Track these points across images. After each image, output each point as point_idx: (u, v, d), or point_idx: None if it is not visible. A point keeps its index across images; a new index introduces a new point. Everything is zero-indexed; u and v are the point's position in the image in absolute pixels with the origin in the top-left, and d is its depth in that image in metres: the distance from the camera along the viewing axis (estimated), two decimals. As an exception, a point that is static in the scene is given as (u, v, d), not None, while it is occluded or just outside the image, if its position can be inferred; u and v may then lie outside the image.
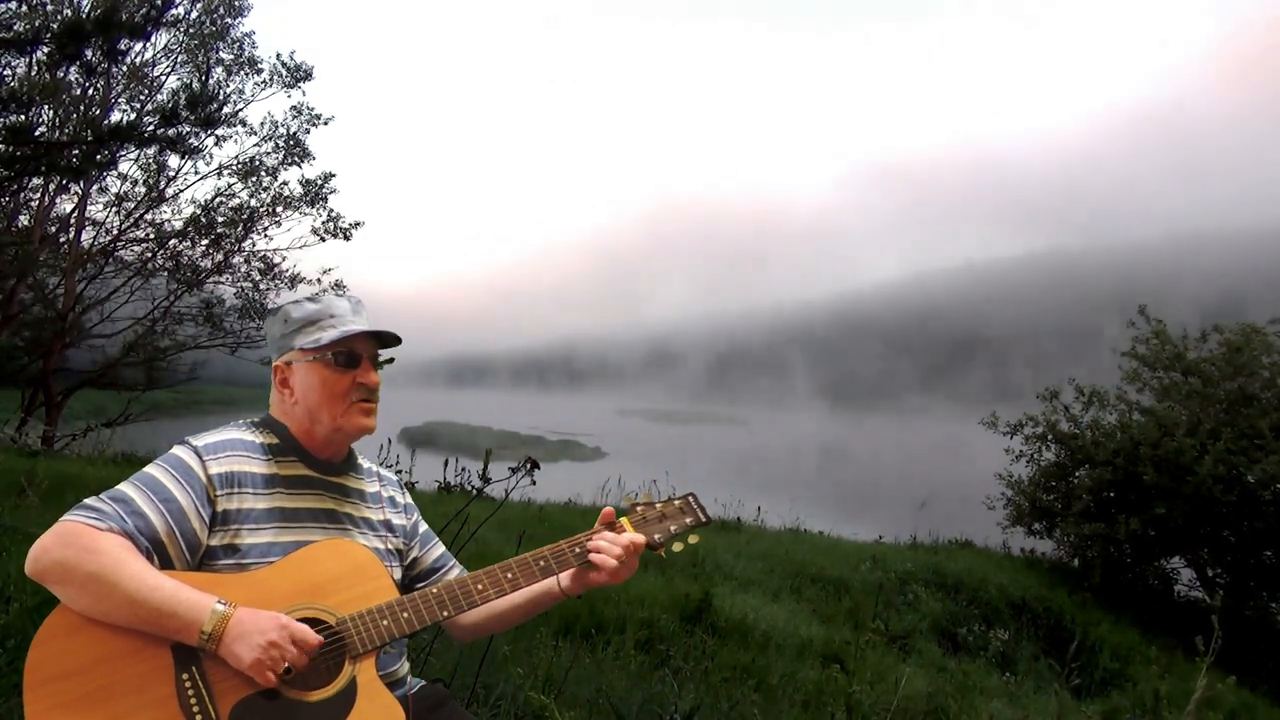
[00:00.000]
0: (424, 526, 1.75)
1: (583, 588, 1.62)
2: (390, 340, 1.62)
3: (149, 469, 1.41)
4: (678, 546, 1.71)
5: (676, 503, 1.76)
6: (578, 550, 1.61)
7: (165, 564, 1.34)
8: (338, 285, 14.74)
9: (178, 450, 1.45)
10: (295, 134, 14.89)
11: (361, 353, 1.57)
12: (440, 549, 1.75)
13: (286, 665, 1.27)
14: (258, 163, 14.85)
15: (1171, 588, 11.22)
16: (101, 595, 1.24)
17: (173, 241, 14.75)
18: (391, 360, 1.65)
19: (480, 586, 1.53)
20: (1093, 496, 10.85)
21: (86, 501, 1.33)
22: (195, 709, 1.24)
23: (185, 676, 1.26)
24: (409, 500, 1.76)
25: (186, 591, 1.28)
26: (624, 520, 1.70)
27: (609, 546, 1.58)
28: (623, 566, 1.58)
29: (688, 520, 1.73)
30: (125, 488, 1.36)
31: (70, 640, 1.25)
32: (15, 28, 6.70)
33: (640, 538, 1.62)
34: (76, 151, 8.43)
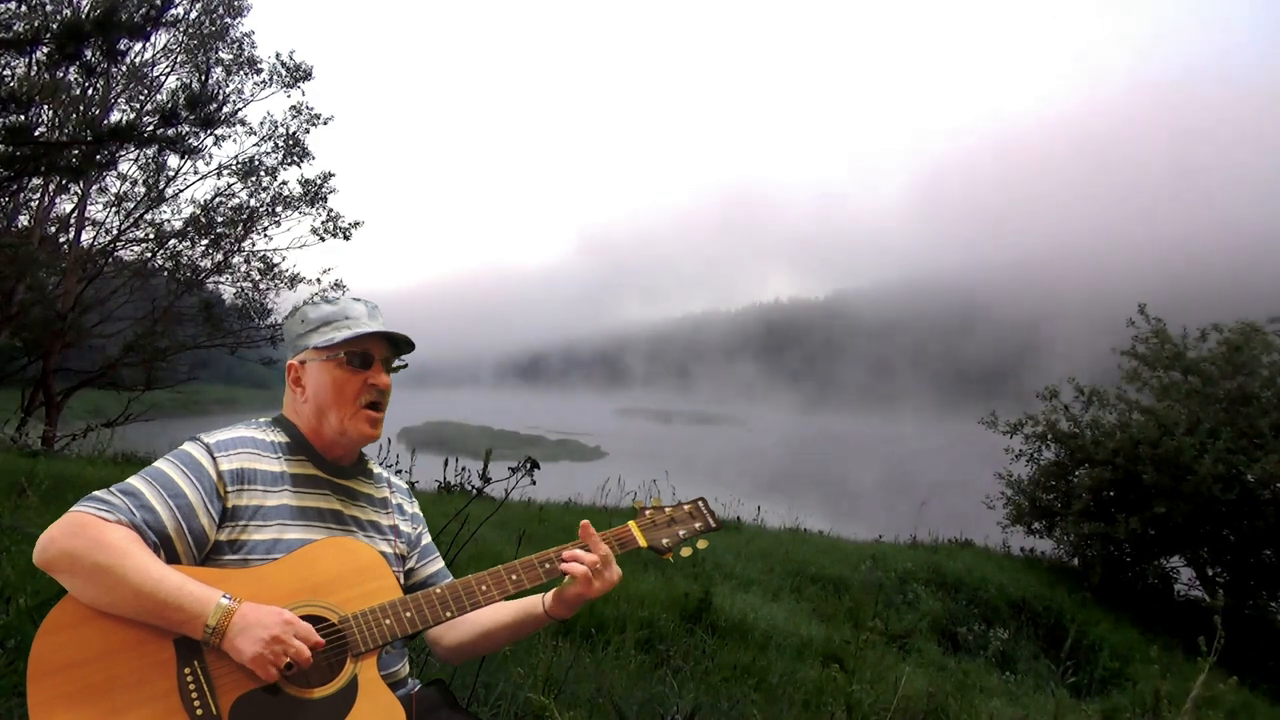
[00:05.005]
0: (427, 539, 1.74)
1: (567, 607, 1.59)
2: (404, 345, 1.63)
3: (160, 464, 1.42)
4: (686, 551, 1.70)
5: (686, 507, 1.76)
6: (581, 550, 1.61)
7: (172, 559, 1.35)
8: (338, 285, 14.75)
9: (189, 446, 1.45)
10: (295, 134, 14.89)
11: (375, 355, 1.58)
12: (438, 564, 1.72)
13: (288, 661, 1.27)
14: (257, 163, 14.86)
15: (1171, 587, 11.22)
16: (108, 586, 1.25)
17: (172, 241, 14.77)
18: (405, 365, 1.65)
19: (484, 588, 1.52)
20: (1092, 496, 10.84)
21: (96, 493, 1.33)
22: (196, 703, 1.25)
23: (187, 671, 1.27)
24: (417, 510, 1.75)
25: (192, 585, 1.28)
26: (631, 524, 1.70)
27: (583, 557, 1.56)
28: (596, 576, 1.55)
29: (697, 525, 1.73)
30: (135, 481, 1.37)
31: (74, 632, 1.25)
32: (15, 28, 6.70)
33: (607, 549, 1.60)
34: (76, 151, 8.43)
